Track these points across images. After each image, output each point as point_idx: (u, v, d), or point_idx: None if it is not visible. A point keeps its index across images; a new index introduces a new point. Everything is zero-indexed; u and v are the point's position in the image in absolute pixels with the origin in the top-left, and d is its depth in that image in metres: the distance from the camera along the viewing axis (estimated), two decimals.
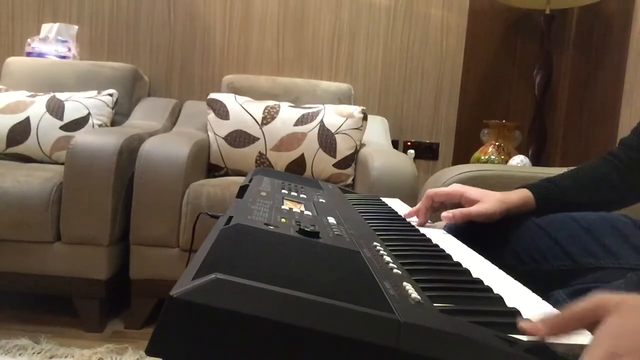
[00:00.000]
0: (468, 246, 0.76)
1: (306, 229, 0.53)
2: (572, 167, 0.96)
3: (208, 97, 2.09)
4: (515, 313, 0.45)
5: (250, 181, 0.85)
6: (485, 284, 0.53)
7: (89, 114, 2.02)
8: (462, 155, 2.56)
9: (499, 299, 0.49)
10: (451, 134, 2.55)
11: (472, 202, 0.86)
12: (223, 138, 2.01)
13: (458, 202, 0.89)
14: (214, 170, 2.04)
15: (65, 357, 1.51)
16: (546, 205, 0.87)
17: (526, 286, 0.55)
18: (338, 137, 1.98)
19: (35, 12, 2.49)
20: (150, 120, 2.21)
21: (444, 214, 0.85)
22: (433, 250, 0.66)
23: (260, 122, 2.00)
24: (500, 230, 0.84)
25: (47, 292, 1.74)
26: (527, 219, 0.85)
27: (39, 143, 1.95)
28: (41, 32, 2.38)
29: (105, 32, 2.51)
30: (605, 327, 0.39)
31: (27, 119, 1.96)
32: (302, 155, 1.98)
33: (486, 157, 2.33)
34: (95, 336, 1.68)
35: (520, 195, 0.87)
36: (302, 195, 0.81)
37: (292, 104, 2.12)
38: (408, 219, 0.90)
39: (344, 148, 1.98)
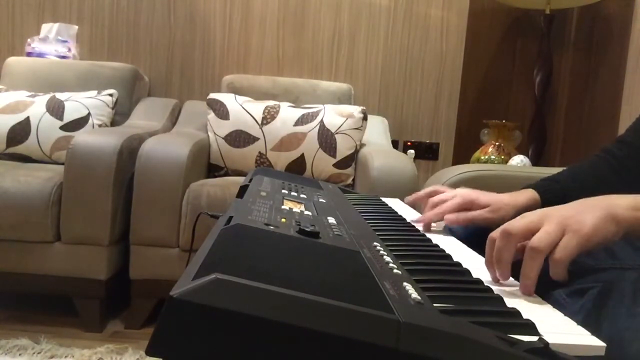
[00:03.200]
0: (468, 247, 0.76)
1: (306, 229, 0.53)
2: (571, 165, 0.96)
3: (208, 97, 2.09)
4: (515, 313, 0.45)
5: (250, 181, 0.85)
6: (485, 284, 0.53)
7: (89, 114, 2.02)
8: (462, 155, 2.56)
9: (499, 299, 0.49)
10: (451, 134, 2.55)
11: (483, 207, 0.84)
12: (223, 138, 2.01)
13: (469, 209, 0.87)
14: (214, 170, 2.04)
15: (65, 357, 1.51)
16: (551, 205, 0.86)
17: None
18: (338, 137, 1.98)
19: (35, 12, 2.49)
20: (150, 120, 2.21)
21: (448, 216, 0.84)
22: (433, 251, 0.66)
23: (260, 122, 2.00)
24: None
25: (47, 292, 1.74)
26: None
27: (39, 143, 1.96)
28: (41, 32, 2.38)
29: (105, 32, 2.51)
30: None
31: (27, 119, 1.96)
32: (302, 155, 1.98)
33: (486, 157, 2.33)
34: (95, 336, 1.68)
35: (527, 197, 0.87)
36: (302, 195, 0.81)
37: (292, 104, 2.12)
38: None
39: (344, 148, 1.98)
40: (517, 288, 0.54)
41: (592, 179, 0.90)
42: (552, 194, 0.88)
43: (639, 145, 0.89)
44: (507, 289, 0.55)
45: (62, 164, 1.72)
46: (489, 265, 0.58)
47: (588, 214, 0.54)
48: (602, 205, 0.55)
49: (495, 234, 0.57)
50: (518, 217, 0.58)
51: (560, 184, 0.89)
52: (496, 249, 0.56)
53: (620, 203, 0.56)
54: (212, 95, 2.10)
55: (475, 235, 0.83)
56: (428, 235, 0.76)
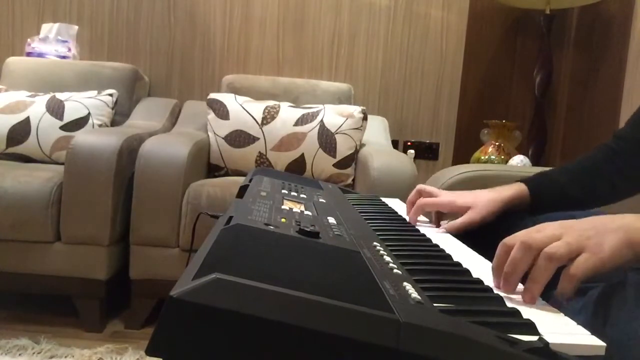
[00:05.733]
0: (468, 246, 0.76)
1: (306, 229, 0.53)
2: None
3: (208, 97, 2.09)
4: (515, 313, 0.45)
5: (250, 181, 0.85)
6: (485, 284, 0.53)
7: (89, 114, 2.02)
8: (462, 155, 2.56)
9: (499, 299, 0.49)
10: (451, 134, 2.55)
11: (463, 209, 0.85)
12: (223, 138, 2.01)
13: (450, 211, 0.89)
14: (214, 170, 2.04)
15: (65, 357, 1.51)
16: (540, 198, 0.87)
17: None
18: (338, 137, 1.98)
19: (35, 12, 2.49)
20: (150, 120, 2.21)
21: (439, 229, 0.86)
22: (433, 251, 0.66)
23: (260, 122, 2.00)
24: (500, 230, 0.84)
25: (47, 292, 1.74)
26: (527, 219, 0.85)
27: (39, 143, 1.96)
28: (41, 32, 2.38)
29: (105, 32, 2.51)
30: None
31: (27, 119, 1.96)
32: (302, 155, 1.98)
33: (486, 157, 2.33)
34: (95, 336, 1.68)
35: (514, 190, 0.87)
36: (302, 195, 0.81)
37: (292, 104, 2.12)
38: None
39: (344, 148, 1.98)
40: (521, 292, 0.53)
41: (588, 170, 0.91)
42: (541, 186, 0.88)
43: (636, 139, 0.90)
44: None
45: (62, 164, 1.72)
46: (497, 272, 0.55)
47: (608, 236, 0.52)
48: (622, 229, 0.53)
49: (510, 241, 0.55)
50: (535, 228, 0.56)
51: (550, 177, 0.90)
52: (512, 259, 0.53)
53: (638, 226, 0.54)
54: (212, 95, 2.10)
55: (473, 234, 0.83)
56: (428, 235, 0.76)
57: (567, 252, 0.51)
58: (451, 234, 0.83)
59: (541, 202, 0.86)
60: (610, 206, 0.91)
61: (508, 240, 0.55)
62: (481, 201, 0.85)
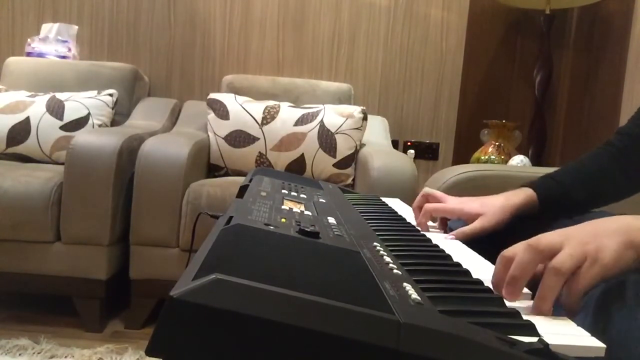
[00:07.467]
0: (470, 248, 0.75)
1: (306, 229, 0.53)
2: (572, 160, 0.95)
3: (208, 97, 2.09)
4: (515, 314, 0.45)
5: (250, 181, 0.85)
6: (486, 284, 0.53)
7: (89, 114, 2.02)
8: (462, 155, 2.56)
9: (499, 300, 0.49)
10: (451, 134, 2.55)
11: (473, 216, 0.84)
12: (223, 138, 2.01)
13: (458, 218, 0.88)
14: (214, 170, 2.04)
15: (65, 357, 1.51)
16: (549, 203, 0.86)
17: (527, 287, 0.54)
18: (338, 137, 1.98)
19: (35, 12, 2.49)
20: (150, 120, 2.21)
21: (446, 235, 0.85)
22: (433, 251, 0.66)
23: (260, 122, 2.00)
24: (510, 237, 0.83)
25: (47, 292, 1.74)
26: (527, 220, 0.85)
27: (39, 143, 1.95)
28: (41, 32, 2.38)
29: (105, 32, 2.51)
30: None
31: (27, 119, 1.96)
32: (302, 155, 1.98)
33: (486, 157, 2.33)
34: (95, 336, 1.68)
35: (523, 196, 0.86)
36: (302, 195, 0.81)
37: (292, 104, 2.12)
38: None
39: (344, 148, 1.98)
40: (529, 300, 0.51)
41: (593, 171, 0.90)
42: (549, 191, 0.87)
43: (639, 135, 0.89)
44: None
45: (62, 164, 1.72)
46: (499, 284, 0.53)
47: (608, 240, 0.51)
48: (621, 230, 0.52)
49: (509, 253, 0.53)
50: (533, 238, 0.54)
51: (558, 180, 0.89)
52: (519, 262, 0.51)
53: (638, 226, 0.53)
54: (212, 95, 2.10)
55: (481, 241, 0.82)
56: (428, 235, 0.76)
57: (573, 264, 0.49)
58: (460, 240, 0.82)
59: (549, 207, 0.85)
60: (614, 205, 0.91)
61: (507, 252, 0.54)
62: (491, 208, 0.83)
